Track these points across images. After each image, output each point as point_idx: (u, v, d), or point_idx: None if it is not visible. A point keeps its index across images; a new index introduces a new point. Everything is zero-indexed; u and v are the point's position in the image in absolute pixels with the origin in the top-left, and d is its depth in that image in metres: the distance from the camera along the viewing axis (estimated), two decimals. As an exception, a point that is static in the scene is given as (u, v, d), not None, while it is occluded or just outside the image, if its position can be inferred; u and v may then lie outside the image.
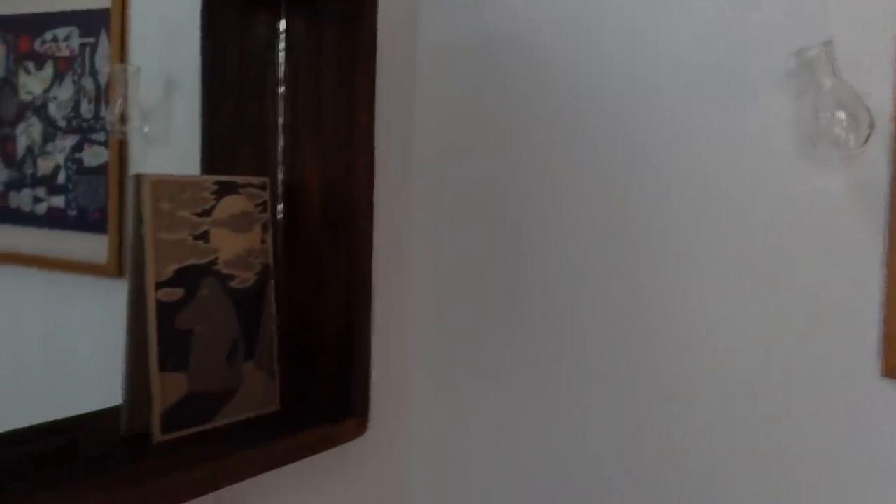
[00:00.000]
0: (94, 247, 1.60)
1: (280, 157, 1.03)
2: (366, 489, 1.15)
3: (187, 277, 0.91)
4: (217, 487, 0.83)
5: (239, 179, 0.96)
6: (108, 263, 1.58)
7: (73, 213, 1.64)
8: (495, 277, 1.12)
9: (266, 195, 1.00)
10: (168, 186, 0.89)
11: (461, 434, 1.18)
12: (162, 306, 0.88)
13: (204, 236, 0.92)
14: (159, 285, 0.88)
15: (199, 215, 0.92)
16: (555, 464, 1.11)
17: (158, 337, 0.88)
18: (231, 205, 0.95)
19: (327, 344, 1.01)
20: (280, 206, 1.04)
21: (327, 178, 1.00)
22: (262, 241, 0.99)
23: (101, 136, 1.59)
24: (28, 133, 1.69)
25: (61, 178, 1.65)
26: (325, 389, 1.02)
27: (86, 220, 1.62)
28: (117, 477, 0.78)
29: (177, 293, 0.90)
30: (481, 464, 1.17)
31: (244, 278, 0.97)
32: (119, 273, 1.59)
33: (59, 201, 1.65)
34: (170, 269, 0.89)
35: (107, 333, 1.59)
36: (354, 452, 1.10)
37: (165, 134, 1.54)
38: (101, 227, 1.60)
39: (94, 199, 1.61)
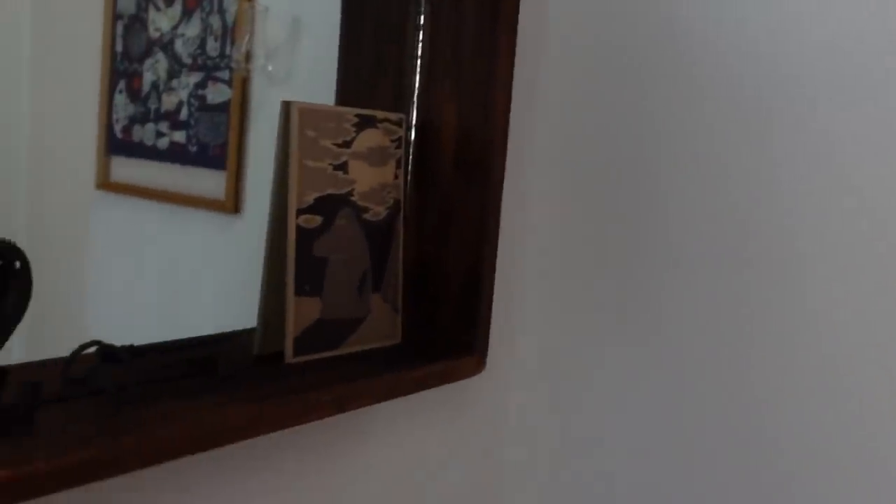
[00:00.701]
0: (212, 183, 1.65)
1: (415, 96, 1.04)
2: (477, 426, 1.17)
3: (326, 206, 0.93)
4: (343, 410, 0.85)
5: (378, 114, 0.98)
6: (226, 200, 1.63)
7: (193, 148, 1.69)
8: (613, 233, 1.12)
9: (401, 132, 1.01)
10: (314, 115, 0.90)
11: (573, 381, 1.18)
12: (301, 232, 0.91)
13: (343, 167, 0.94)
14: (300, 211, 0.90)
15: (340, 146, 0.94)
16: (666, 422, 1.10)
17: (296, 262, 0.90)
18: (369, 138, 0.97)
19: (451, 282, 1.03)
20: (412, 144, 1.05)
21: (462, 119, 1.01)
22: (395, 177, 1.01)
23: (224, 75, 1.63)
24: (154, 69, 1.74)
25: (184, 114, 1.69)
26: (445, 326, 1.04)
27: (206, 156, 1.67)
28: (253, 392, 0.81)
29: (316, 220, 0.92)
30: (590, 414, 1.17)
31: (377, 212, 0.99)
32: (236, 209, 1.63)
33: (180, 137, 1.70)
34: (310, 197, 0.91)
35: (221, 267, 1.65)
36: (469, 390, 1.12)
37: (288, 73, 1.57)
38: (221, 163, 1.64)
39: (214, 135, 1.66)
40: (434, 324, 1.04)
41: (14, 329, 0.67)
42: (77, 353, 0.78)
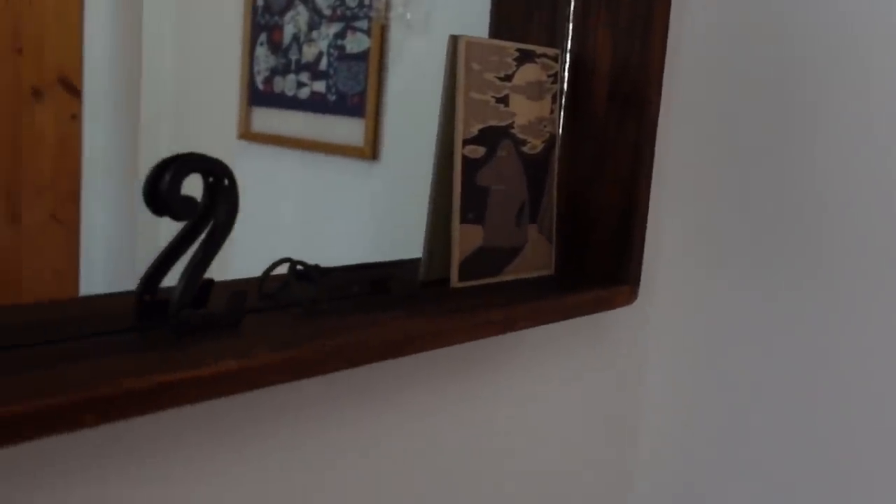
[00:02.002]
0: (351, 130, 1.71)
1: (570, 32, 1.06)
2: (618, 358, 1.20)
3: (488, 137, 0.96)
4: (511, 329, 0.89)
5: (536, 49, 1.00)
6: (365, 146, 1.69)
7: (333, 97, 1.75)
8: (759, 174, 1.12)
9: (557, 67, 1.03)
10: (479, 48, 0.94)
11: (714, 318, 1.20)
12: (466, 162, 0.95)
13: (504, 100, 0.97)
14: (465, 142, 0.94)
15: (502, 80, 0.97)
16: (808, 363, 1.11)
17: (462, 190, 0.94)
18: (528, 73, 1.00)
19: (604, 214, 1.05)
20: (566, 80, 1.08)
21: (618, 54, 1.03)
22: (551, 112, 1.04)
23: (363, 24, 1.68)
24: (295, 21, 1.81)
25: (323, 64, 1.76)
26: (598, 258, 1.07)
27: (345, 105, 1.73)
28: (428, 310, 0.85)
29: (479, 151, 0.96)
30: (731, 351, 1.19)
31: (534, 145, 1.02)
32: (374, 156, 1.69)
33: (320, 86, 1.77)
34: (475, 128, 0.95)
35: (360, 212, 1.71)
36: (613, 322, 1.15)
37: (426, 21, 1.61)
38: (360, 111, 1.70)
39: (353, 84, 1.71)
40: (586, 255, 1.07)
41: (225, 239, 0.73)
42: (270, 270, 0.84)
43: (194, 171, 0.72)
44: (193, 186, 0.73)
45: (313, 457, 0.85)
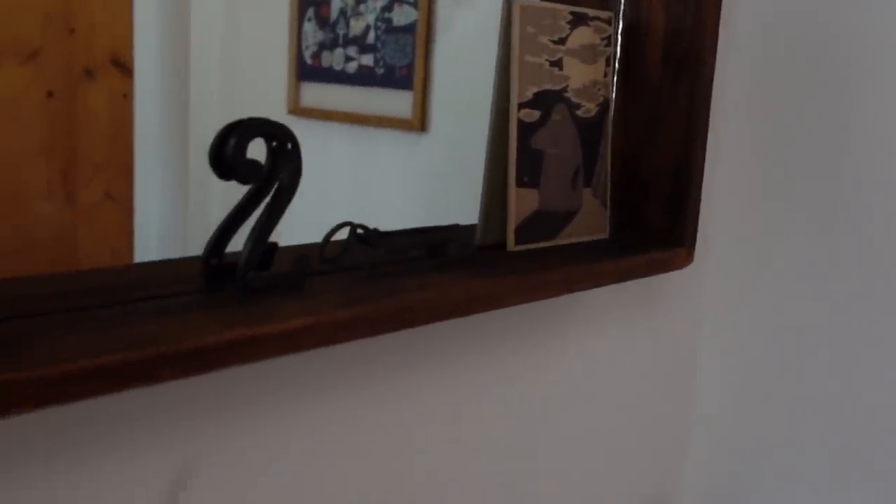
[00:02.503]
0: (399, 103, 1.72)
1: (622, -5, 1.06)
2: (674, 321, 1.20)
3: (543, 101, 0.96)
4: (570, 290, 0.89)
5: (589, 12, 1.00)
6: (413, 119, 1.69)
7: (380, 70, 1.76)
8: (816, 133, 1.11)
9: (610, 29, 1.03)
10: (533, 12, 0.94)
11: (770, 281, 1.19)
12: (522, 125, 0.95)
13: (558, 63, 0.97)
14: (520, 105, 0.94)
15: (556, 43, 0.97)
16: (869, 322, 1.10)
17: (517, 154, 0.95)
18: (581, 36, 1.00)
19: (659, 177, 1.05)
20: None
21: (671, 16, 1.02)
22: (605, 75, 1.03)
23: (410, -3, 1.69)
24: (342, -5, 1.81)
25: (371, 37, 1.76)
26: (653, 221, 1.07)
27: (392, 78, 1.74)
28: (485, 272, 0.86)
29: (534, 115, 0.96)
30: (787, 313, 1.18)
31: (588, 108, 1.02)
32: (422, 127, 1.70)
33: (368, 60, 1.78)
34: (530, 92, 0.95)
35: (410, 184, 1.72)
36: (667, 285, 1.15)
37: (473, -8, 1.60)
38: (407, 83, 1.71)
39: (401, 57, 1.72)
40: (641, 219, 1.07)
41: (289, 202, 0.75)
42: (330, 235, 0.85)
43: (258, 135, 0.74)
44: (256, 153, 0.74)
45: (375, 415, 0.86)
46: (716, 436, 1.33)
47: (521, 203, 0.96)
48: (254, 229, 0.74)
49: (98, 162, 2.33)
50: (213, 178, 1.57)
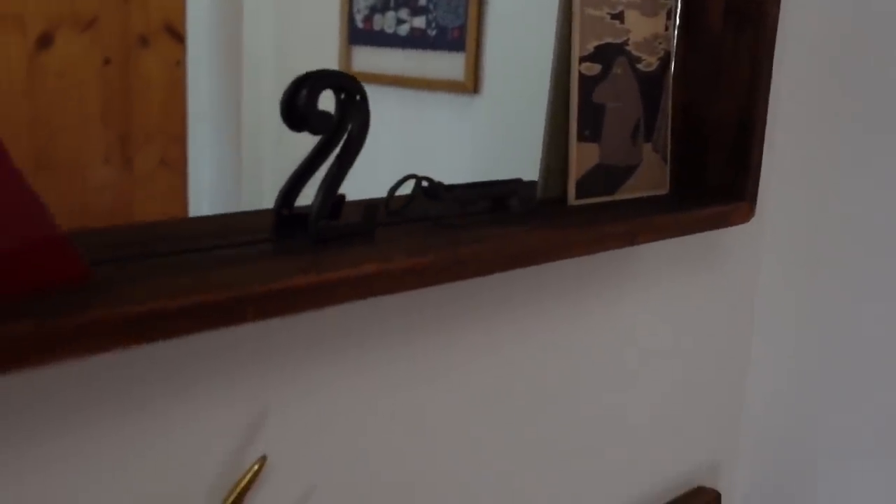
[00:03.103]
0: (452, 65, 1.71)
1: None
2: (732, 277, 1.20)
3: (604, 54, 0.96)
4: (633, 242, 0.90)
5: (650, -36, 1.00)
6: (466, 80, 1.69)
7: (432, 32, 1.75)
8: (881, 93, 1.09)
9: (671, -18, 1.03)
10: (594, -36, 0.94)
11: (834, 241, 1.19)
12: (583, 79, 0.95)
13: (619, 16, 0.97)
14: (582, 59, 0.94)
15: (617, -4, 0.97)
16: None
17: (579, 108, 0.95)
18: (642, -11, 0.99)
19: (720, 131, 1.05)
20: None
21: (733, -34, 1.01)
22: (666, 28, 1.03)
23: (463, -43, 1.68)
24: (395, -43, 1.81)
25: (423, -1, 1.76)
26: (713, 176, 1.06)
27: (445, 39, 1.73)
28: (549, 223, 0.87)
29: (595, 68, 0.96)
30: (844, 272, 1.17)
31: (649, 62, 1.01)
32: (475, 89, 1.70)
33: (420, 22, 1.78)
34: (591, 45, 0.95)
35: (463, 146, 1.72)
36: (725, 241, 1.15)
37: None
38: (460, 45, 1.71)
39: (453, 18, 1.72)
40: (701, 173, 1.07)
41: (358, 152, 0.76)
42: (396, 187, 0.86)
43: (328, 86, 0.75)
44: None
45: (439, 362, 0.88)
46: (772, 393, 1.33)
47: (581, 157, 0.97)
48: (324, 180, 0.75)
49: (152, 129, 2.36)
50: (266, 144, 1.60)
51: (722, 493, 1.29)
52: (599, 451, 1.11)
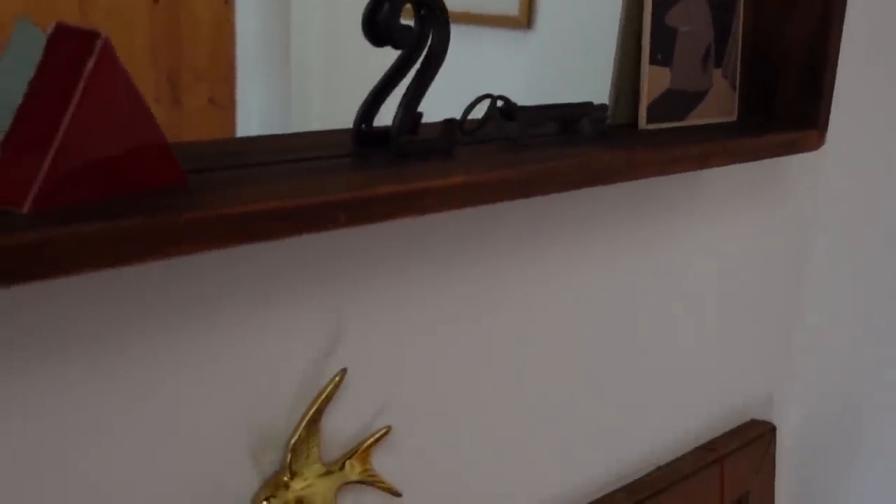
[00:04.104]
0: (505, 0, 1.70)
1: None
2: (802, 202, 1.20)
3: (677, -23, 0.95)
4: (705, 165, 0.90)
5: None
6: (520, 15, 1.67)
7: (486, -33, 1.73)
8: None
9: None
10: None
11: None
12: (656, 2, 0.94)
13: (693, -62, 0.96)
14: (656, -19, 0.93)
15: (691, -84, 0.95)
16: None
17: (651, 31, 0.94)
18: None
19: (792, 57, 1.03)
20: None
21: None
22: (739, -49, 1.01)
23: None
24: None
25: (476, -66, 1.74)
26: (781, 103, 1.05)
27: (498, -26, 1.71)
28: (622, 144, 0.87)
29: (668, -9, 0.95)
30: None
31: (721, -14, 1.00)
32: (528, 25, 1.68)
33: (473, -44, 1.75)
34: (664, -33, 0.94)
35: (516, 82, 1.71)
36: (798, 167, 1.14)
37: None
38: (514, -20, 1.69)
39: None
40: (770, 100, 1.06)
41: (439, 67, 0.76)
42: (471, 107, 0.87)
43: (409, 1, 0.75)
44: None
45: (511, 282, 0.89)
46: (826, 332, 1.33)
47: (653, 81, 0.96)
48: (405, 94, 0.76)
49: (201, 68, 2.37)
50: (314, 83, 1.60)
51: (776, 426, 1.29)
52: (656, 382, 1.11)
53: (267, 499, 0.74)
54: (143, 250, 0.52)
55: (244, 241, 0.57)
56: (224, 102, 2.42)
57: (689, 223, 1.09)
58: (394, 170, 0.69)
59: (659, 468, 1.15)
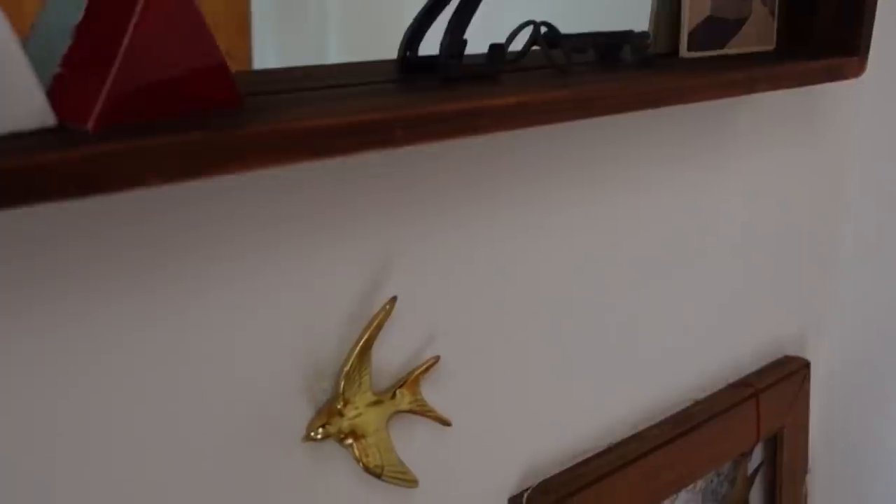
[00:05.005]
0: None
1: None
2: (839, 132, 1.19)
3: None
4: (752, 90, 0.89)
5: None
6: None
7: None
8: None
9: None
10: None
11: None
12: (697, -75, 0.92)
13: None
14: None
15: None
16: None
17: (692, -45, 0.93)
18: None
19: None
20: None
21: None
22: None
23: None
24: None
25: None
26: (819, 31, 1.04)
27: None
28: (666, 70, 0.86)
29: (709, -86, 0.93)
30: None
31: None
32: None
33: None
34: None
35: (555, 9, 1.69)
36: (835, 95, 1.13)
37: None
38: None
39: None
40: (808, 28, 1.05)
41: None
42: (515, 33, 0.85)
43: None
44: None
45: (560, 207, 0.88)
46: (861, 269, 1.32)
47: (694, 8, 0.95)
48: (452, 19, 0.75)
49: (217, 21, 2.36)
50: (331, 35, 1.58)
51: (811, 362, 1.29)
52: (692, 318, 1.11)
53: (323, 426, 0.74)
54: (208, 164, 0.52)
55: (307, 158, 0.56)
56: (239, 56, 2.39)
57: (724, 155, 1.08)
58: (444, 92, 0.68)
59: (696, 403, 1.15)
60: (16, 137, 0.49)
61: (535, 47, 0.83)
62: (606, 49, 0.91)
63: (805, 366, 1.29)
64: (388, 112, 0.60)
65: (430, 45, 0.78)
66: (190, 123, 0.53)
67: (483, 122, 0.65)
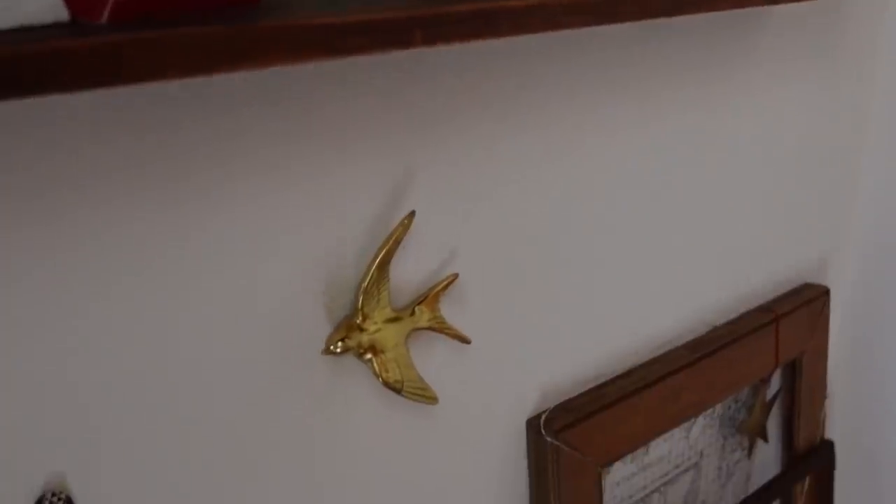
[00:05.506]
0: None
1: None
2: (862, 48, 1.17)
3: None
4: (777, 1, 0.86)
5: None
6: None
7: None
8: None
9: None
10: None
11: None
12: None
13: None
14: None
15: None
16: None
17: None
18: None
19: None
20: None
21: None
22: None
23: None
24: None
25: None
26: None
27: None
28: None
29: None
30: None
31: None
32: None
33: None
34: None
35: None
36: (855, 23, 1.11)
37: None
38: None
39: None
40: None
41: None
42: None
43: None
44: None
45: (580, 123, 0.87)
46: (882, 197, 1.30)
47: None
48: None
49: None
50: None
51: (830, 289, 1.28)
52: (713, 244, 1.10)
53: (342, 339, 0.74)
54: (222, 59, 0.51)
55: (322, 56, 0.55)
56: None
57: (744, 77, 1.06)
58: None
59: (716, 328, 1.15)
60: (28, 30, 0.48)
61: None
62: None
63: (825, 293, 1.28)
64: (404, 11, 0.58)
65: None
66: (206, 18, 0.52)
67: (502, 23, 0.64)
